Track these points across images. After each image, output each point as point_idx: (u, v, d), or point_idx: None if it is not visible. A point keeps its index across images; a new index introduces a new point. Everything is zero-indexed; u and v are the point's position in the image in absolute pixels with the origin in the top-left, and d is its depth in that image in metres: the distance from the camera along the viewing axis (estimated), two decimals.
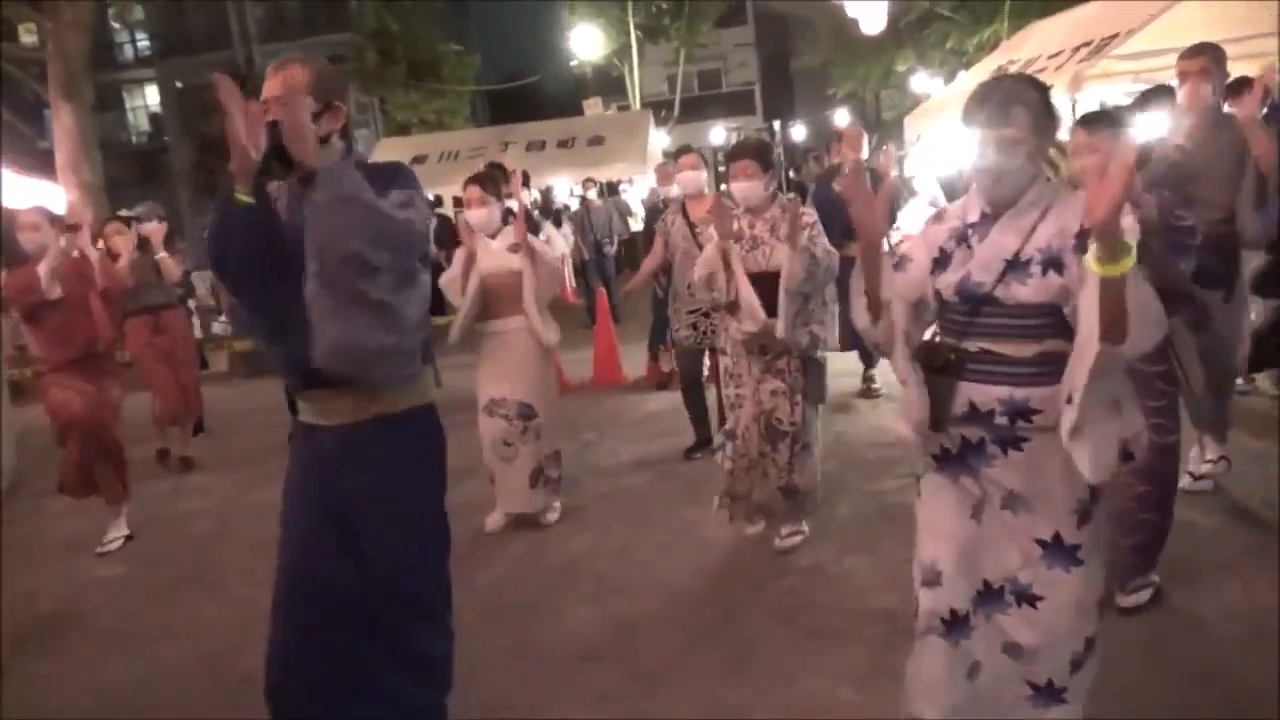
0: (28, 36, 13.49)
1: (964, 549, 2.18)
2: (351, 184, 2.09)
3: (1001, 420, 2.09)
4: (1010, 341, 2.08)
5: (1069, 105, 6.99)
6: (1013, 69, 9.09)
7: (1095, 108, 6.82)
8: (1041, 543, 2.13)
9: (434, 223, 2.31)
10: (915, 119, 10.55)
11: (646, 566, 4.03)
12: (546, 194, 16.06)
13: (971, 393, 2.11)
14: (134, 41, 31.29)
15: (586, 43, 22.95)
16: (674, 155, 5.71)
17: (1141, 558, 3.15)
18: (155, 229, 6.42)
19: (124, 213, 7.71)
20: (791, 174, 18.25)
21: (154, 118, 32.14)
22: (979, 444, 2.16)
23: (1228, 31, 6.11)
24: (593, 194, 12.59)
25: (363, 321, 2.10)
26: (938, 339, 2.21)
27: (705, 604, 3.60)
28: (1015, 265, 2.06)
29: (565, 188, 16.42)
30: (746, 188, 3.91)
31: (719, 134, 27.70)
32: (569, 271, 13.04)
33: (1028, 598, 2.15)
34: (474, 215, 4.47)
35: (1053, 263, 2.02)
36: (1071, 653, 2.17)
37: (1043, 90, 2.11)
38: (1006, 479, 2.14)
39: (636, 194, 12.48)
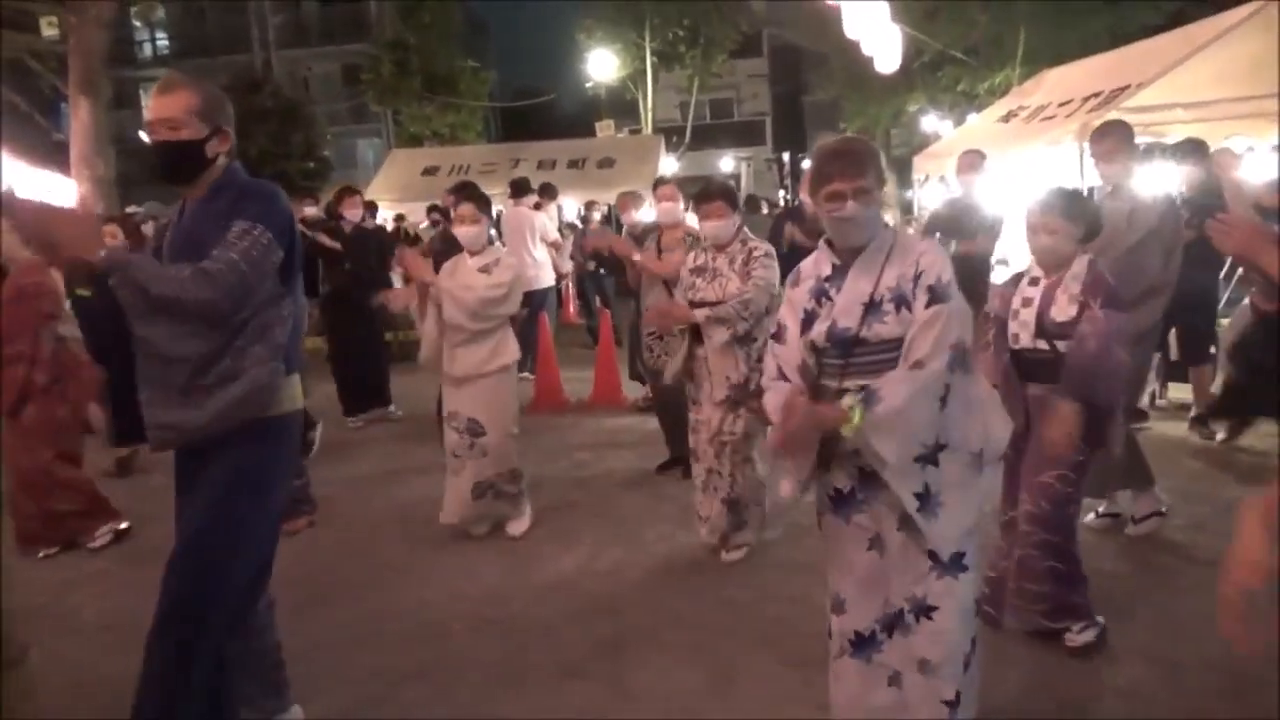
0: (49, 30, 13.58)
1: (863, 578, 2.42)
2: (139, 278, 2.28)
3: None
4: (882, 375, 2.27)
5: (1077, 153, 7.07)
6: (1023, 114, 9.21)
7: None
8: (932, 554, 2.33)
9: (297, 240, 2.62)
10: (924, 160, 10.66)
11: (635, 587, 4.04)
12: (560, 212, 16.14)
13: None
14: (154, 40, 31.59)
15: (602, 66, 23.15)
16: (653, 185, 5.87)
17: (1067, 604, 3.17)
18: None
19: (132, 209, 7.80)
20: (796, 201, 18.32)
21: None
22: (872, 474, 2.32)
23: (1233, 90, 6.22)
24: (596, 216, 12.65)
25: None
26: (819, 384, 2.39)
27: (691, 627, 3.61)
28: (872, 306, 2.31)
29: (573, 208, 16.52)
30: (718, 226, 4.17)
31: (729, 162, 27.91)
32: (570, 291, 13.11)
33: (924, 610, 2.35)
34: (465, 232, 4.53)
35: (902, 301, 2.28)
36: (963, 654, 2.37)
37: (877, 150, 2.46)
38: (898, 502, 2.29)
39: (645, 218, 12.53)
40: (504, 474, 4.63)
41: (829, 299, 2.37)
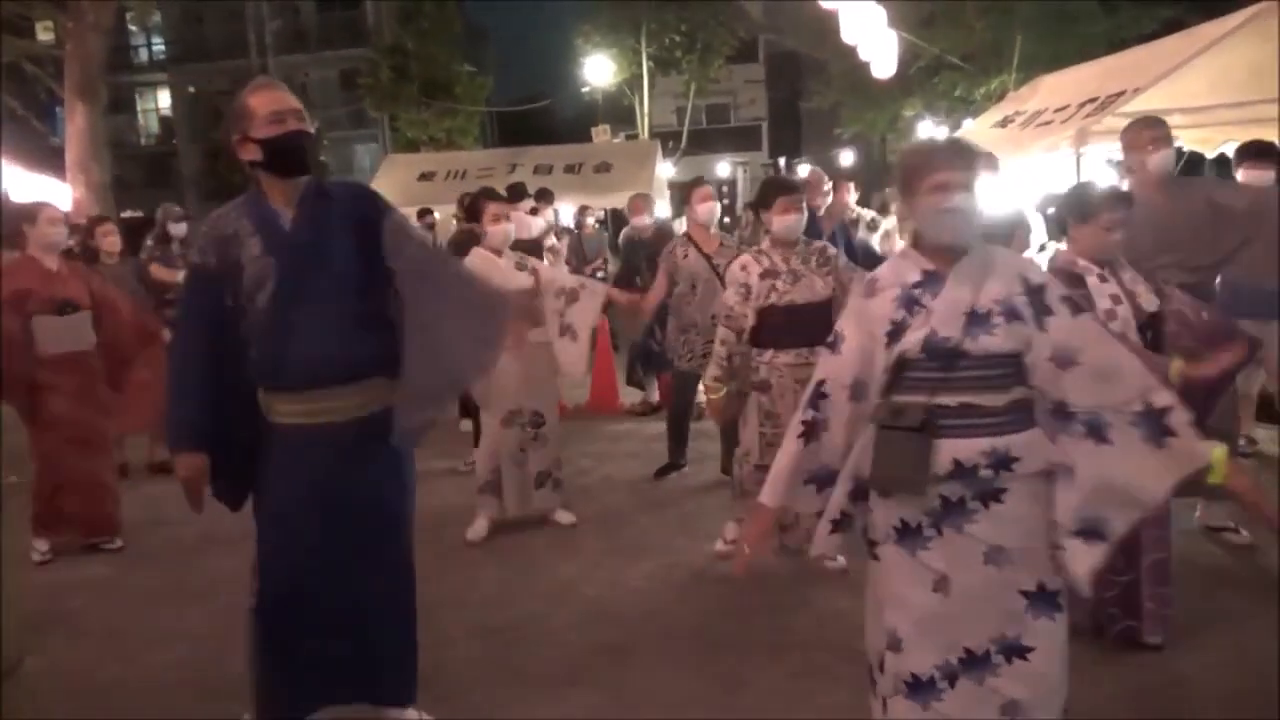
0: (45, 34, 13.59)
1: (923, 620, 2.17)
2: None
3: (986, 473, 2.11)
4: (986, 392, 2.12)
5: (1074, 160, 7.08)
6: (1019, 120, 9.22)
7: (1103, 163, 6.93)
8: (1026, 594, 2.15)
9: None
10: None
11: (636, 594, 4.03)
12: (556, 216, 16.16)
13: (954, 449, 2.11)
14: (149, 45, 31.56)
15: (599, 71, 23.17)
16: (686, 186, 5.87)
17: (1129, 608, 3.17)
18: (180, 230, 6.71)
19: (128, 215, 7.81)
20: None
21: (165, 121, 32.34)
22: (959, 502, 2.14)
23: (1231, 95, 6.23)
24: (591, 220, 12.65)
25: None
26: (900, 400, 2.17)
27: (693, 635, 3.61)
28: (976, 317, 2.11)
29: (570, 214, 16.52)
30: (799, 220, 4.07)
31: (725, 168, 27.91)
32: None
33: (1017, 651, 2.15)
34: (496, 230, 4.62)
35: (1014, 314, 2.11)
36: (1060, 699, 2.19)
37: None
38: (989, 534, 2.14)
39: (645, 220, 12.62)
40: (556, 460, 4.88)
41: (922, 306, 2.16)
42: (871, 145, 25.90)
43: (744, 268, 4.09)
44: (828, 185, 6.61)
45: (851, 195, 7.51)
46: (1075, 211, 3.13)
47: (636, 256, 7.12)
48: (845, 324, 2.28)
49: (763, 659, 3.38)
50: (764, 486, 2.29)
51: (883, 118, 20.51)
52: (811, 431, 2.24)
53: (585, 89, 24.89)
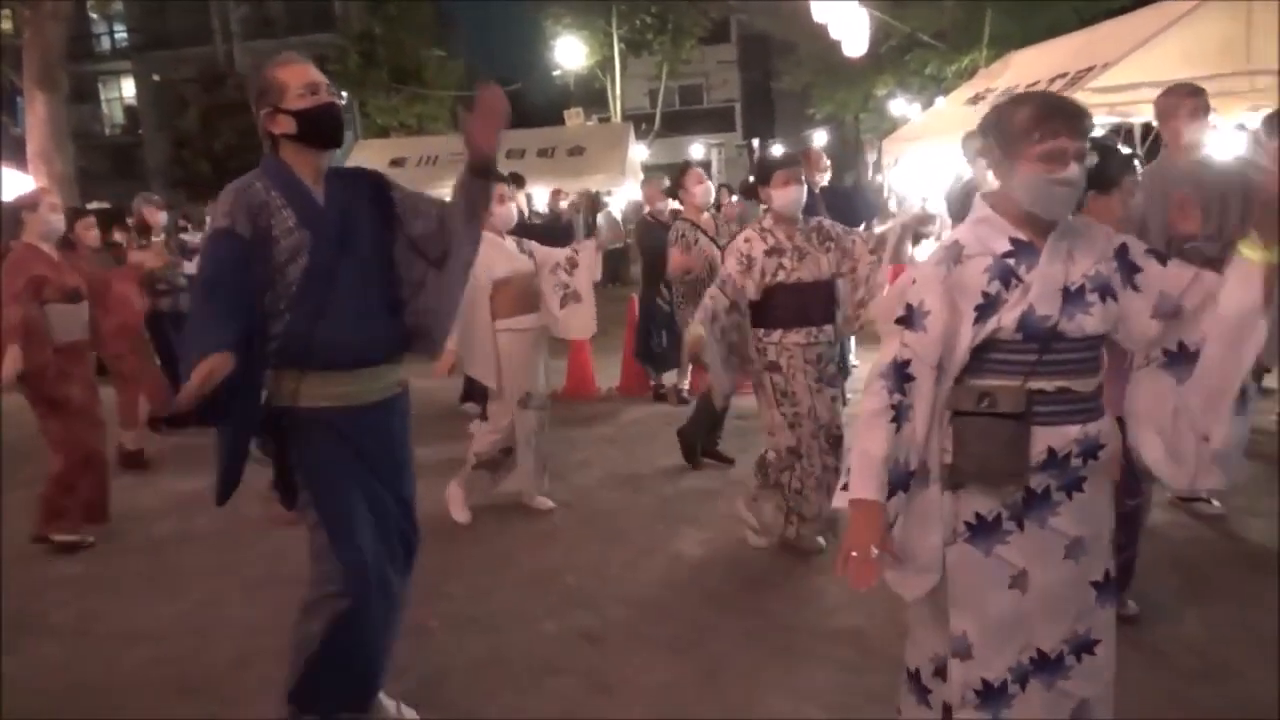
0: (4, 24, 13.30)
1: (998, 621, 2.01)
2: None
3: (1076, 461, 1.98)
4: (1080, 376, 1.97)
5: None
6: (991, 97, 9.23)
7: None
8: (1096, 584, 2.06)
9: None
10: (893, 143, 10.69)
11: (615, 581, 4.01)
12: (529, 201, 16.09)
13: (1049, 437, 1.96)
14: (112, 33, 31.03)
15: (570, 53, 23.03)
16: (678, 169, 5.93)
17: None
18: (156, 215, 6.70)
19: (95, 205, 7.69)
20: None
21: (129, 111, 31.83)
22: (1044, 493, 1.99)
23: (1202, 69, 6.26)
24: (563, 205, 12.60)
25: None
26: (986, 384, 1.98)
27: (672, 620, 3.59)
28: (1070, 295, 1.93)
29: (543, 197, 16.45)
30: (799, 193, 4.00)
31: (699, 149, 27.86)
32: None
33: (1086, 646, 2.05)
34: (501, 211, 4.61)
35: (1106, 289, 1.95)
36: (1111, 688, 2.10)
37: None
38: (1070, 526, 2.00)
39: (616, 205, 12.51)
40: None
41: (1019, 280, 1.94)
42: (845, 125, 25.94)
43: (747, 240, 4.02)
44: (826, 161, 6.60)
45: (824, 176, 7.50)
46: (1096, 181, 2.92)
47: (658, 241, 7.02)
48: (926, 295, 1.97)
49: (742, 640, 3.37)
50: (853, 480, 1.98)
51: (855, 97, 20.55)
52: (900, 417, 1.97)
53: (556, 72, 24.76)
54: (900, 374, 1.97)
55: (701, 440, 5.49)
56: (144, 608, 4.01)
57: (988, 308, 1.94)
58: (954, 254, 1.99)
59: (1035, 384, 1.94)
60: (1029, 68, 9.14)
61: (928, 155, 9.44)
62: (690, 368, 6.92)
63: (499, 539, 4.55)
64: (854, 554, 1.93)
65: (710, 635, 3.44)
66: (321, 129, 2.52)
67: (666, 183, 7.45)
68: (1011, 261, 1.95)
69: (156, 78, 29.58)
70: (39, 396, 4.64)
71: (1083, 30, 9.15)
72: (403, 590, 2.78)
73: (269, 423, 2.55)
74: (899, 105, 19.85)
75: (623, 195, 13.46)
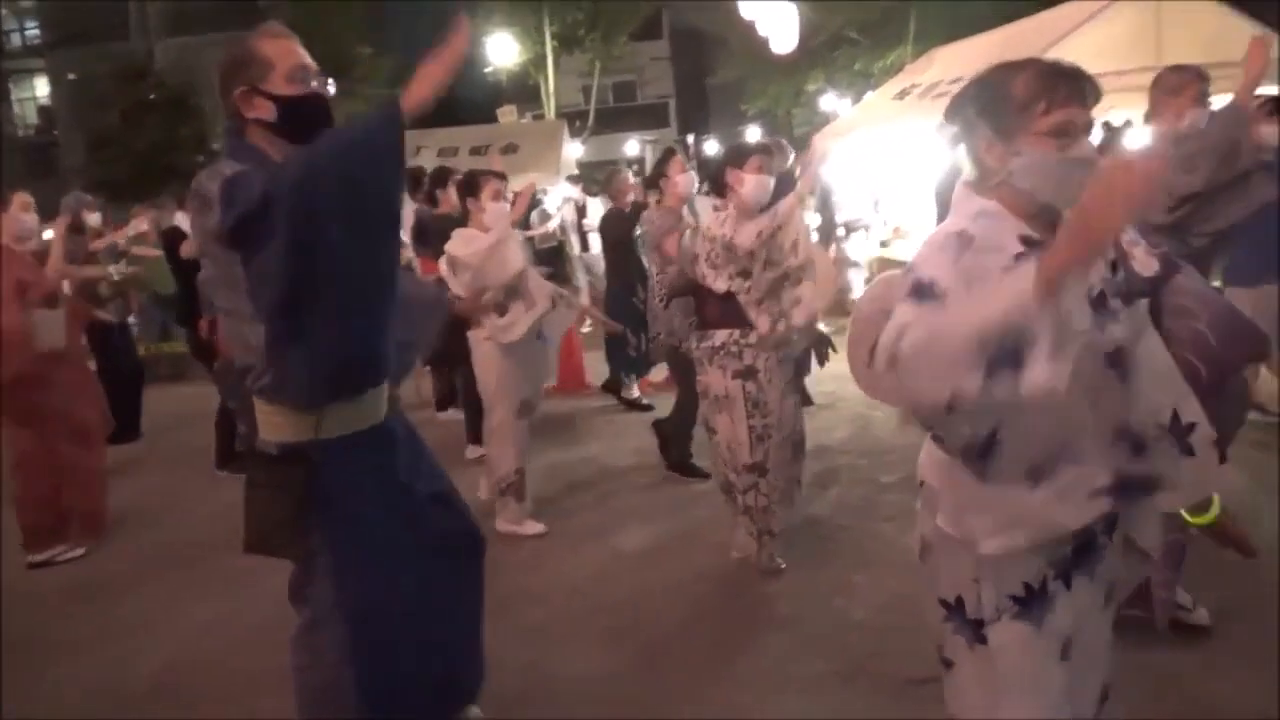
0: None
1: (1057, 701, 1.70)
2: None
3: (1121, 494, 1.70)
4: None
5: None
6: (916, 92, 9.42)
7: None
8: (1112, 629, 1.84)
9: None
10: (824, 138, 10.82)
11: (554, 573, 4.02)
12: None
13: None
14: (22, 30, 29.91)
15: (502, 50, 22.84)
16: (659, 158, 5.65)
17: None
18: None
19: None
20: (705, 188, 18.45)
21: (44, 110, 30.72)
22: (1091, 540, 1.70)
23: (1115, 64, 6.46)
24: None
25: None
26: None
27: (612, 612, 3.62)
28: (1095, 304, 1.62)
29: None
30: (768, 181, 3.71)
31: (634, 146, 27.87)
32: None
33: (1104, 695, 1.83)
34: (495, 208, 4.39)
35: (1123, 292, 1.68)
36: None
37: None
38: (1111, 570, 1.74)
39: (552, 203, 12.46)
40: None
41: None
42: (777, 120, 26.21)
43: (721, 226, 3.76)
44: (792, 154, 6.46)
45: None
46: None
47: (626, 234, 6.82)
48: (937, 273, 1.56)
49: (684, 630, 3.41)
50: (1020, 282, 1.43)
51: (786, 91, 20.78)
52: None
53: (489, 69, 24.52)
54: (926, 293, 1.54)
55: (677, 448, 5.21)
56: (91, 619, 3.91)
57: None
58: (964, 242, 1.61)
59: None
60: (952, 63, 9.34)
61: (858, 149, 9.60)
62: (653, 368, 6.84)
63: None
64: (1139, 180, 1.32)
65: (650, 625, 3.47)
66: (305, 123, 2.13)
67: (628, 174, 7.27)
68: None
69: (72, 75, 28.58)
70: (14, 406, 4.44)
71: (1001, 28, 9.38)
72: (469, 596, 2.57)
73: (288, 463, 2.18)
74: (829, 100, 20.13)
75: (558, 193, 13.38)
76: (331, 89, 2.24)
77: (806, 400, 4.14)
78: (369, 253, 2.06)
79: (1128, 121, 6.78)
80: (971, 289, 1.53)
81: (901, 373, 1.50)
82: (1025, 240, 1.62)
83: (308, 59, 2.18)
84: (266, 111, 2.14)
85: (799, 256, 3.71)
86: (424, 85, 1.95)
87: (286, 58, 2.14)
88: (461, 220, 4.59)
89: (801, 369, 3.92)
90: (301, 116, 2.14)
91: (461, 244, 4.34)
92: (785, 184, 4.46)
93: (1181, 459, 1.66)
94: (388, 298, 2.17)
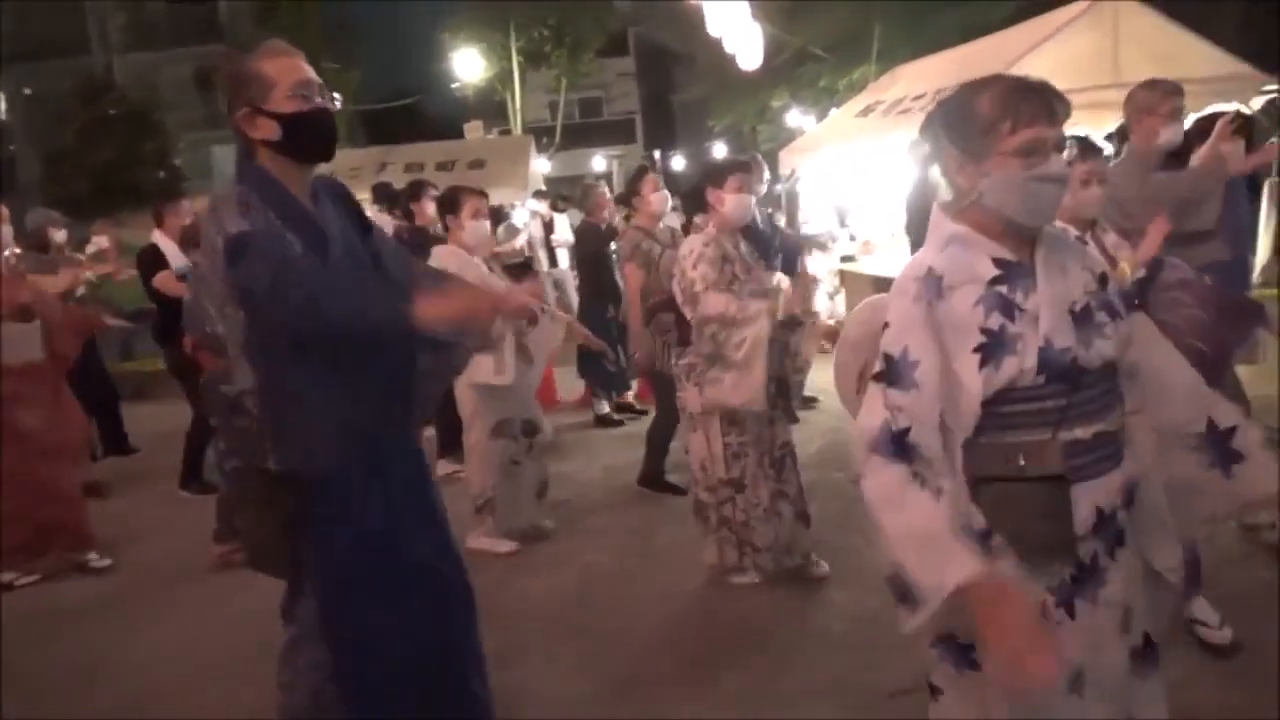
0: None
1: (1120, 684, 1.67)
2: None
3: (1121, 515, 1.66)
4: (1112, 413, 1.64)
5: None
6: (880, 109, 9.53)
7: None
8: (1134, 651, 1.70)
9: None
10: (790, 154, 10.91)
11: (523, 598, 3.97)
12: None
13: (1093, 494, 1.61)
14: None
15: (468, 66, 22.84)
16: (632, 176, 5.57)
17: None
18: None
19: None
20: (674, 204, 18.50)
21: None
22: (1092, 563, 1.63)
23: (1071, 81, 6.57)
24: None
25: None
26: (1008, 441, 1.61)
27: (585, 632, 3.58)
28: (1079, 318, 1.61)
29: None
30: (751, 201, 3.79)
31: (600, 162, 27.93)
32: None
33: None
34: (476, 226, 4.33)
35: (1108, 305, 1.66)
36: None
37: None
38: (1121, 592, 1.66)
39: (519, 218, 12.41)
40: (545, 468, 4.69)
41: (1020, 310, 1.58)
42: (743, 136, 26.40)
43: (706, 245, 3.71)
44: (766, 173, 6.43)
45: (762, 187, 7.51)
46: None
47: (600, 250, 6.77)
48: (908, 339, 1.59)
49: (658, 651, 3.38)
50: (928, 575, 1.49)
51: (752, 108, 20.91)
52: (925, 482, 1.55)
53: (455, 85, 24.50)
54: (900, 444, 1.56)
55: (653, 463, 5.19)
56: (97, 646, 3.81)
57: (995, 347, 1.57)
58: (932, 287, 1.60)
59: (1068, 434, 1.59)
60: (915, 80, 9.46)
61: (823, 165, 9.69)
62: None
63: None
64: (1018, 652, 1.42)
65: (624, 644, 3.44)
66: (311, 140, 2.14)
67: (605, 189, 7.22)
68: (1004, 289, 1.60)
69: (28, 90, 28.11)
70: None
71: (964, 45, 9.52)
72: (470, 656, 2.46)
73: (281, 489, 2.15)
74: (794, 116, 20.31)
75: (525, 209, 13.35)
76: (338, 103, 2.22)
77: (791, 416, 4.12)
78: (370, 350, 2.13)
79: (1086, 136, 6.89)
80: (944, 346, 1.59)
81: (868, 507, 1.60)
82: (998, 262, 1.62)
83: (311, 74, 2.15)
84: (270, 131, 2.12)
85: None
86: (439, 312, 1.98)
87: (288, 75, 2.12)
88: (440, 236, 4.55)
89: (784, 387, 3.88)
90: (305, 133, 2.12)
91: (453, 264, 4.26)
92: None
93: (1232, 465, 1.67)
94: (395, 362, 2.20)
